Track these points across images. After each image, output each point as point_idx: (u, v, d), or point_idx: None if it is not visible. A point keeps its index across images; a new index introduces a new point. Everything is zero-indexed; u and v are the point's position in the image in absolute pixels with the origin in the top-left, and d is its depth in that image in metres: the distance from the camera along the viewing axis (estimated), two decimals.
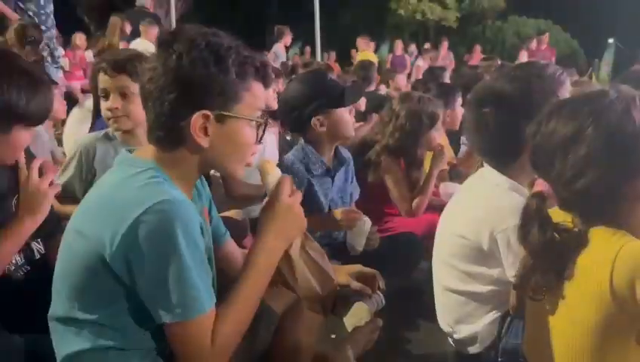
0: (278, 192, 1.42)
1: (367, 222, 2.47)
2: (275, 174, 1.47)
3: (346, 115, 2.51)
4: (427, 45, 14.56)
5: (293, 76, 3.99)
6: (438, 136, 3.09)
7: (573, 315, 1.35)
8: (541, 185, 1.39)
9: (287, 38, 9.67)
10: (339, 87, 2.58)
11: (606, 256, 1.26)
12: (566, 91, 2.77)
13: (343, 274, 1.83)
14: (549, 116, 1.39)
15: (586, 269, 1.33)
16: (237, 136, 1.34)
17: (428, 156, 3.27)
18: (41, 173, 1.70)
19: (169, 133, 1.31)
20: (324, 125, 2.45)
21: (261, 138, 1.41)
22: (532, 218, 1.35)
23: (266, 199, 1.48)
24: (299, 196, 1.46)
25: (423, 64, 11.76)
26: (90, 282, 1.27)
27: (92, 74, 2.26)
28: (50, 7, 5.29)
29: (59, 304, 1.34)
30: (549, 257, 1.35)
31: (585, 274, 1.33)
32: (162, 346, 1.32)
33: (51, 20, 5.42)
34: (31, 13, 5.11)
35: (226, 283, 1.49)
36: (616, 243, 1.27)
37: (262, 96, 1.37)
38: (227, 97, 1.29)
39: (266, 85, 1.38)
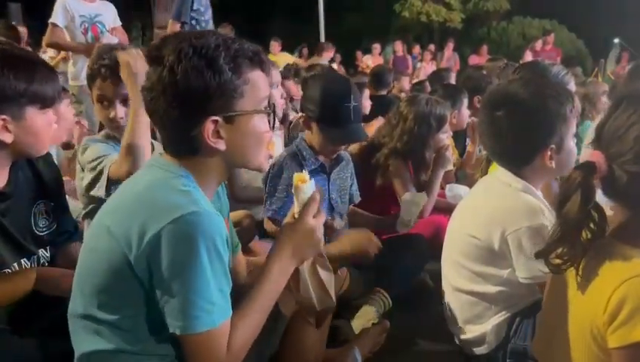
0: (305, 213, 1.44)
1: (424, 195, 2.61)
2: (307, 191, 1.48)
3: None
4: (431, 47, 14.50)
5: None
6: (446, 138, 3.09)
7: (580, 321, 1.35)
8: (594, 156, 1.33)
9: (329, 52, 9.98)
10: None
11: (612, 283, 1.24)
12: (572, 88, 2.77)
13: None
14: (632, 99, 1.35)
15: (593, 280, 1.31)
16: (250, 131, 1.35)
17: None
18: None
19: (185, 145, 1.32)
20: None
21: (274, 124, 1.42)
22: (575, 187, 1.30)
23: (292, 215, 1.50)
24: (322, 217, 1.48)
25: (426, 65, 11.76)
26: (114, 281, 1.27)
27: (89, 78, 2.11)
28: (209, 14, 5.37)
29: (80, 300, 1.34)
30: (580, 231, 1.31)
31: (590, 285, 1.32)
32: (178, 353, 1.32)
33: (211, 26, 5.57)
34: (194, 22, 5.18)
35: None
36: (626, 271, 1.24)
37: (263, 83, 1.36)
38: (229, 97, 1.29)
39: (264, 70, 1.37)
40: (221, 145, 1.31)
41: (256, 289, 1.39)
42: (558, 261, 1.35)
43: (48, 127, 1.70)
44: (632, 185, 1.29)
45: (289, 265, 1.44)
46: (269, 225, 2.45)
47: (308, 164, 2.40)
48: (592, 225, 1.30)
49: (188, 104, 1.26)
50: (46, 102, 1.66)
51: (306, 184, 1.47)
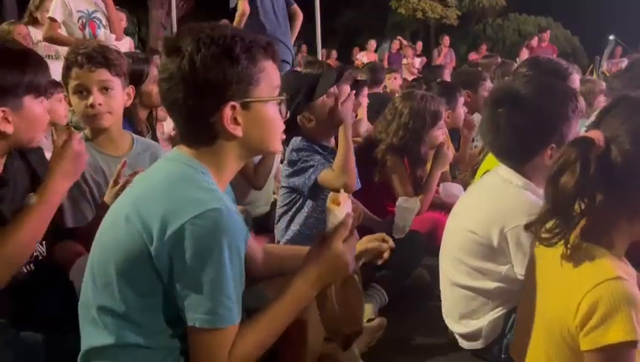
0: (334, 238, 1.43)
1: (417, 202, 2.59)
2: (339, 214, 1.45)
3: (328, 101, 2.45)
4: (419, 44, 14.46)
5: None
6: (441, 133, 3.11)
7: (551, 322, 1.38)
8: (594, 133, 1.32)
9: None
10: (312, 78, 2.54)
11: (582, 287, 1.27)
12: (575, 82, 2.78)
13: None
14: (623, 103, 1.37)
15: (564, 282, 1.34)
16: (265, 117, 1.37)
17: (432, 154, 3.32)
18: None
19: (203, 133, 1.34)
20: (311, 120, 2.45)
21: (286, 113, 1.44)
22: (573, 160, 1.28)
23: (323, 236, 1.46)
24: (353, 240, 1.46)
25: (409, 61, 11.73)
26: (130, 272, 1.28)
27: (65, 70, 2.11)
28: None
29: (91, 292, 1.34)
30: (574, 204, 1.30)
31: (561, 287, 1.34)
32: (184, 347, 1.33)
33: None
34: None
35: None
36: (596, 275, 1.26)
37: (275, 73, 1.40)
38: (246, 84, 1.32)
39: (275, 61, 1.41)
40: (239, 132, 1.33)
41: (271, 307, 1.39)
42: (547, 235, 1.35)
43: (44, 116, 1.74)
44: (626, 167, 1.29)
45: (311, 290, 1.43)
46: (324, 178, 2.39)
47: (320, 151, 2.43)
48: (585, 199, 1.30)
49: (206, 91, 1.29)
50: (40, 91, 1.70)
51: (338, 207, 1.44)
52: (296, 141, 2.48)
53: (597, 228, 1.33)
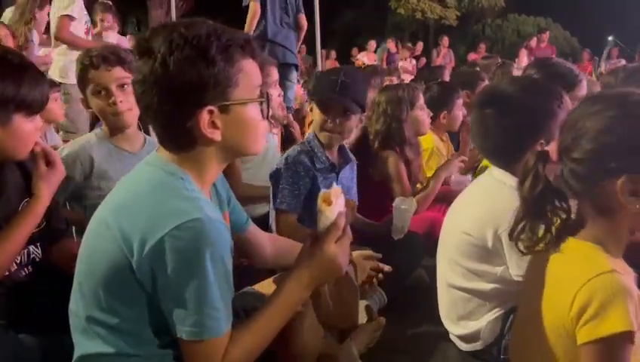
0: (325, 240, 1.41)
1: (414, 202, 2.63)
2: (330, 215, 1.42)
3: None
4: (419, 45, 14.42)
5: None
6: (422, 114, 3.24)
7: (550, 320, 1.38)
8: (552, 145, 1.37)
9: None
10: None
11: (577, 282, 1.27)
12: (583, 90, 2.78)
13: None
14: (592, 101, 1.37)
15: (558, 281, 1.34)
16: (245, 120, 1.33)
17: (426, 152, 3.39)
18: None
19: (180, 138, 1.30)
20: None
21: (267, 114, 1.40)
22: (528, 171, 1.36)
23: (314, 235, 1.44)
24: (346, 240, 1.44)
25: (405, 64, 11.72)
26: (114, 283, 1.26)
27: (82, 71, 2.16)
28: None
29: (80, 302, 1.33)
30: (537, 211, 1.36)
31: (556, 286, 1.35)
32: (177, 355, 1.32)
33: None
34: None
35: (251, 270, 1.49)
36: (589, 270, 1.27)
37: (255, 72, 1.35)
38: (223, 86, 1.26)
39: (255, 59, 1.35)
40: (217, 136, 1.29)
41: (264, 310, 1.38)
42: (527, 242, 1.39)
43: (34, 134, 1.68)
44: (573, 176, 1.31)
45: (304, 291, 1.42)
46: (281, 219, 2.38)
47: (319, 163, 2.42)
48: (550, 207, 1.35)
49: (182, 95, 1.24)
50: (33, 110, 1.64)
51: (329, 207, 1.41)
52: (294, 151, 2.45)
53: (579, 227, 1.35)
